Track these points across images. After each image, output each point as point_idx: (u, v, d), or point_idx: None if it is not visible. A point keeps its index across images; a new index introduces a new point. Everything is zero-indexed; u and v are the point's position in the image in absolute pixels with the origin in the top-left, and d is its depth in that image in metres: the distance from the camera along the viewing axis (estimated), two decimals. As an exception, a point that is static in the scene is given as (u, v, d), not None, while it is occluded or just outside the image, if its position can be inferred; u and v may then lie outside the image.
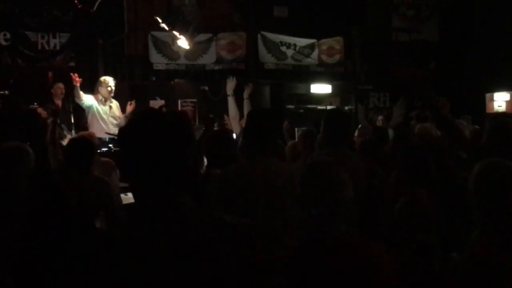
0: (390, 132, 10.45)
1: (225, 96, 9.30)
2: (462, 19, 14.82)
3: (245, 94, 9.11)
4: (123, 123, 9.32)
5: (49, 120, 9.22)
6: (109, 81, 9.28)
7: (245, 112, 8.62)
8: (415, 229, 3.36)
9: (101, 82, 9.29)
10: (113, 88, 9.30)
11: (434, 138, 6.42)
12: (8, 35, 11.41)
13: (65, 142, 9.35)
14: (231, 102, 8.69)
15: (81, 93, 9.15)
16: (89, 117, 9.30)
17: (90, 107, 9.25)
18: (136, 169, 1.84)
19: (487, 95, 14.17)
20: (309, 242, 2.57)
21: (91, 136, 7.16)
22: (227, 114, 9.21)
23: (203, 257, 1.75)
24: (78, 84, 9.08)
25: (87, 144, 5.19)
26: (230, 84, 8.97)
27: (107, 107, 9.28)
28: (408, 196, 3.60)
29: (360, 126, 10.52)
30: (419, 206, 3.48)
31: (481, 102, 14.13)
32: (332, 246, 2.49)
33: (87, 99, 9.20)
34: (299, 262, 2.50)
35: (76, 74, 9.19)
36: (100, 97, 9.27)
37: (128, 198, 6.32)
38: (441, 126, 5.17)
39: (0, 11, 11.27)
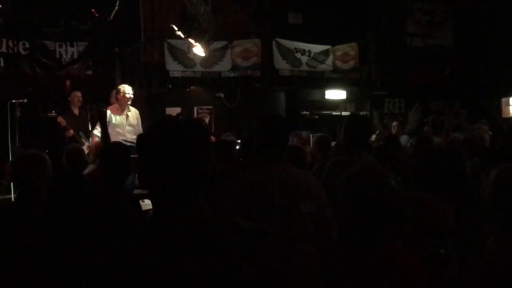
0: (405, 138, 10.48)
1: (241, 103, 9.40)
2: (477, 23, 14.78)
3: None
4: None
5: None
6: (128, 89, 9.19)
7: None
8: (424, 236, 3.34)
9: (119, 90, 9.19)
10: (132, 96, 9.22)
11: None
12: (27, 44, 11.56)
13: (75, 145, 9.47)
14: None
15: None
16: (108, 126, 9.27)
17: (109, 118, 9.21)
18: (154, 176, 1.84)
19: (503, 99, 14.10)
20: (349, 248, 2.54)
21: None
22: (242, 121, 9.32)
23: (222, 263, 1.75)
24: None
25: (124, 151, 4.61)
26: None
27: (123, 116, 9.18)
28: (415, 202, 3.59)
29: (378, 132, 10.54)
30: (426, 212, 3.45)
31: (497, 107, 14.08)
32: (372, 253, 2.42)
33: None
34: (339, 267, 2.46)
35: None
36: (117, 107, 9.21)
37: (144, 204, 6.39)
38: None
39: (19, 21, 11.43)
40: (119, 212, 3.85)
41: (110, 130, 9.10)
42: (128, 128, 9.23)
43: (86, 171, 5.75)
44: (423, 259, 2.53)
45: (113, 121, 9.11)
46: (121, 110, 9.14)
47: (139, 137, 2.01)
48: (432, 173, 4.01)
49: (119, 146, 4.83)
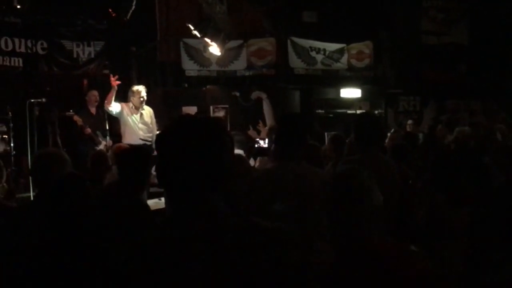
0: (420, 136, 10.46)
1: (256, 101, 9.43)
2: (492, 21, 14.70)
3: (262, 95, 9.32)
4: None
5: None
6: (142, 91, 9.32)
7: (265, 112, 8.81)
8: (434, 236, 3.36)
9: (133, 91, 9.35)
10: (145, 97, 9.36)
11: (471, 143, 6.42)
12: (45, 44, 11.63)
13: (100, 148, 9.60)
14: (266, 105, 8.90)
15: (113, 100, 9.28)
16: (122, 125, 9.43)
17: (120, 115, 9.38)
18: (172, 174, 1.86)
19: (519, 97, 14.03)
20: (342, 251, 2.57)
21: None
22: (260, 119, 9.39)
23: (238, 261, 1.76)
24: (116, 87, 9.24)
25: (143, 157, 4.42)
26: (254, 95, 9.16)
27: (138, 115, 9.37)
28: (428, 203, 3.61)
29: (392, 130, 10.54)
30: (438, 213, 3.47)
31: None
32: (364, 253, 2.46)
33: (116, 108, 9.30)
34: (336, 272, 2.52)
35: (116, 76, 9.39)
36: (131, 105, 9.37)
37: (161, 202, 6.45)
38: None
39: (37, 21, 11.52)
40: (126, 219, 3.82)
41: (124, 128, 9.31)
42: (141, 126, 9.39)
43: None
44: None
45: (128, 120, 9.28)
46: (135, 109, 9.32)
47: (158, 135, 2.03)
48: (447, 175, 4.03)
49: (140, 152, 4.67)
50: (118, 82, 9.27)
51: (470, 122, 12.78)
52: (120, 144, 8.03)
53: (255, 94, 9.96)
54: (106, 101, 9.33)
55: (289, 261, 1.83)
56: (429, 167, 4.40)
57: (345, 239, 2.52)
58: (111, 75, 9.47)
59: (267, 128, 8.81)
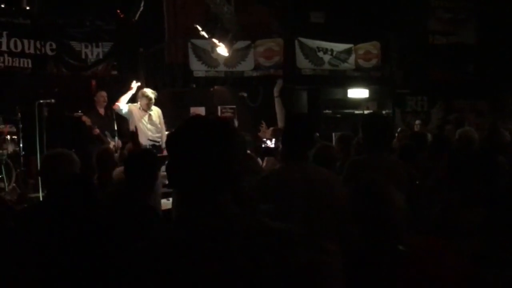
0: (429, 136, 10.45)
1: (263, 102, 9.42)
2: (499, 20, 14.67)
3: (275, 92, 9.30)
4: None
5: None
6: (151, 97, 9.43)
7: (277, 111, 8.79)
8: (448, 235, 3.36)
9: (142, 94, 9.46)
10: (153, 101, 9.47)
11: (476, 143, 6.41)
12: (54, 45, 11.68)
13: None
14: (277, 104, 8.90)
15: (125, 102, 9.46)
16: (130, 126, 9.49)
17: (130, 116, 9.46)
18: (183, 174, 1.86)
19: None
20: (365, 256, 2.60)
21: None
22: (264, 119, 9.40)
23: (248, 261, 1.76)
24: (134, 91, 9.51)
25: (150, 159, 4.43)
26: (277, 87, 9.15)
27: (146, 116, 9.45)
28: (444, 202, 3.61)
29: (399, 130, 10.52)
30: (451, 213, 3.48)
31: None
32: (390, 260, 2.52)
33: (125, 108, 9.45)
34: (357, 274, 2.55)
35: (139, 84, 9.68)
36: (139, 106, 9.46)
37: (169, 203, 6.46)
38: None
39: (46, 22, 11.59)
40: (133, 221, 3.80)
41: (132, 129, 9.37)
42: (150, 127, 9.46)
43: (115, 173, 5.81)
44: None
45: (136, 120, 9.35)
46: (143, 110, 9.40)
47: (169, 135, 2.05)
48: (462, 173, 4.03)
49: (146, 155, 4.67)
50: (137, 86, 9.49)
51: (476, 122, 12.75)
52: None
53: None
54: (117, 101, 9.46)
55: (298, 262, 1.84)
56: (444, 166, 4.39)
57: (375, 243, 2.54)
58: (134, 81, 9.75)
59: (271, 128, 8.84)
